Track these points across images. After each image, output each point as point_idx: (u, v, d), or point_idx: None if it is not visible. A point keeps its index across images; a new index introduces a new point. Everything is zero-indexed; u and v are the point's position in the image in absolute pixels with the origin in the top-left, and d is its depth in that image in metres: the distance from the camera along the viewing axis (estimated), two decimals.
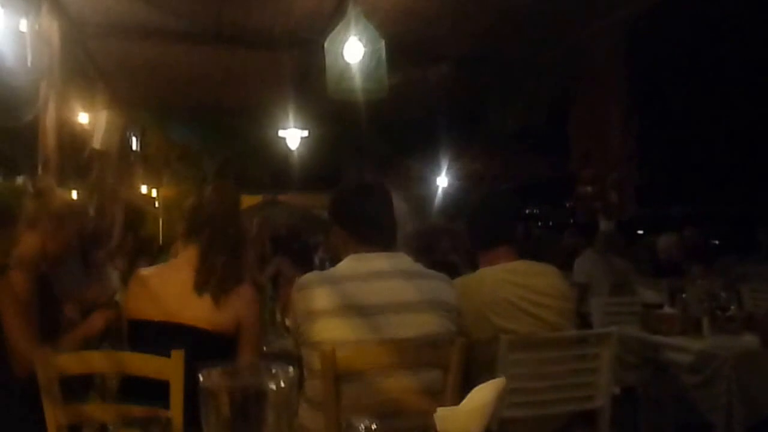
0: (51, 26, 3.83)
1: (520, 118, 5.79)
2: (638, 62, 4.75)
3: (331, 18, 3.89)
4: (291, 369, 0.66)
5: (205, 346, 1.64)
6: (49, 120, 3.90)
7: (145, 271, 1.82)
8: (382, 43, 3.32)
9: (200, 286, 1.70)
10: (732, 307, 2.44)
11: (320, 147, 6.53)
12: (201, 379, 0.64)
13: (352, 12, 3.32)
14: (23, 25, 3.18)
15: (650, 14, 4.31)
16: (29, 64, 3.27)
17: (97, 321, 1.89)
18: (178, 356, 1.41)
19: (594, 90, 4.69)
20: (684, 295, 2.57)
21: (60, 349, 1.71)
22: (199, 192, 1.88)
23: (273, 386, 0.63)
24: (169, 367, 1.41)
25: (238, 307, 1.72)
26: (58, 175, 3.98)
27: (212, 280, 1.70)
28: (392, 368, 1.46)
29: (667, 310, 2.57)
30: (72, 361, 1.47)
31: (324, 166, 7.59)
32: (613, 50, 4.52)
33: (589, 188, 4.45)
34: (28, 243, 1.81)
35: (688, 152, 9.53)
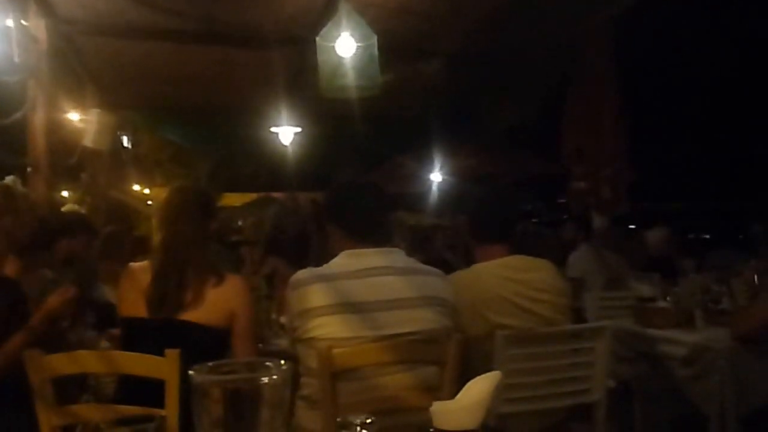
0: (38, 24, 3.79)
1: (512, 114, 5.80)
2: (630, 59, 4.78)
3: (322, 14, 3.86)
4: (283, 363, 0.65)
5: (198, 341, 1.65)
6: (38, 119, 3.85)
7: (135, 266, 1.82)
8: (375, 38, 3.30)
9: (155, 303, 1.69)
10: (724, 300, 2.46)
11: (314, 145, 6.52)
12: (192, 375, 0.63)
13: (343, 8, 3.30)
14: (9, 21, 3.14)
15: (641, 11, 4.32)
16: (16, 60, 3.23)
17: (54, 301, 1.88)
18: (173, 356, 1.39)
19: (586, 86, 4.70)
20: (677, 289, 2.59)
21: (27, 333, 1.71)
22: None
23: (266, 381, 0.62)
24: (164, 367, 1.40)
25: (228, 299, 1.72)
26: (49, 175, 3.94)
27: (167, 295, 1.69)
28: (388, 365, 1.45)
29: (661, 303, 2.59)
30: (64, 362, 1.45)
31: (318, 164, 7.58)
32: (604, 47, 4.53)
33: (582, 184, 4.45)
34: None
35: (681, 148, 9.59)
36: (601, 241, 4.31)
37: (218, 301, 1.72)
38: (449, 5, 4.10)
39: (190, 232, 1.75)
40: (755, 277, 2.58)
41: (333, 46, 3.28)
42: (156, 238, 1.79)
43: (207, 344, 1.66)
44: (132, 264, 1.84)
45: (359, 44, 3.27)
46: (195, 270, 1.72)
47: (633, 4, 4.24)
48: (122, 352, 1.66)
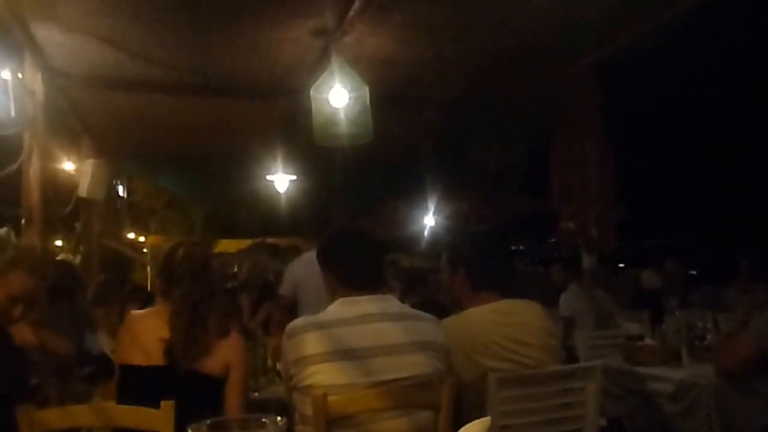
0: (34, 77, 3.88)
1: (502, 157, 5.93)
2: (613, 102, 4.94)
3: (315, 67, 4.01)
4: (279, 419, 0.68)
5: (195, 389, 1.65)
6: (33, 170, 3.89)
7: (135, 315, 1.84)
8: (366, 89, 3.44)
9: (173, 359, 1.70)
10: (708, 336, 2.51)
11: (308, 191, 6.59)
12: None
13: (336, 60, 3.45)
14: (6, 74, 3.24)
15: (623, 55, 4.51)
16: (12, 114, 3.30)
17: None
18: (167, 407, 1.40)
19: (572, 129, 4.83)
20: (663, 327, 2.63)
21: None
22: (171, 250, 1.88)
23: None
24: (159, 419, 1.40)
25: (226, 352, 1.75)
26: (43, 226, 3.95)
27: (184, 347, 1.71)
28: (384, 411, 1.47)
29: (648, 341, 2.62)
30: (57, 417, 1.45)
31: (312, 210, 7.62)
32: (588, 91, 4.70)
33: (570, 224, 4.53)
34: None
35: (665, 186, 9.77)
36: (590, 281, 4.36)
37: (219, 353, 1.74)
38: (438, 57, 4.27)
39: (213, 287, 1.81)
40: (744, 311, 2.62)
41: (326, 97, 3.41)
42: (174, 293, 1.78)
43: (204, 393, 1.67)
44: (133, 312, 1.86)
45: (351, 95, 3.40)
46: (213, 323, 1.75)
47: (611, 51, 4.45)
48: (115, 404, 1.66)
